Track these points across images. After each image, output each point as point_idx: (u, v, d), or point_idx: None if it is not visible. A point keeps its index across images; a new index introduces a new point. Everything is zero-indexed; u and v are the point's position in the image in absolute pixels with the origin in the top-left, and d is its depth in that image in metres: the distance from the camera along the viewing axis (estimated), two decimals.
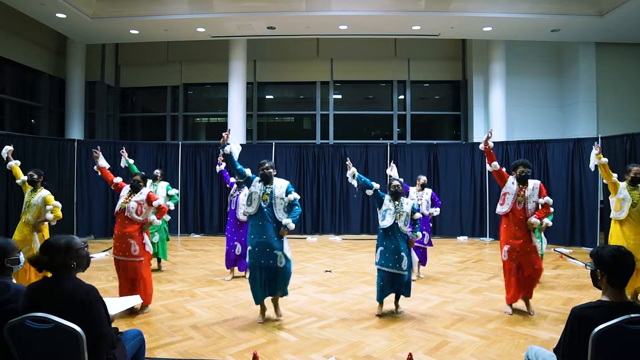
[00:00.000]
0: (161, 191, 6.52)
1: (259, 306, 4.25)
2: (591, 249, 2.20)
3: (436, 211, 6.31)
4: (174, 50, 12.51)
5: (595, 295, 2.16)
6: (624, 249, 2.09)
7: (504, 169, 4.58)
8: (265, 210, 4.13)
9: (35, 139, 9.01)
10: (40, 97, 11.36)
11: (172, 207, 6.51)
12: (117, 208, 4.51)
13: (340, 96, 13.09)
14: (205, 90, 13.70)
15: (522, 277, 4.40)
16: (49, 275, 2.17)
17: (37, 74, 11.25)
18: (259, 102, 12.79)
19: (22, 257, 2.39)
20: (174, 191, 6.74)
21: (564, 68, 11.63)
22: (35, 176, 5.10)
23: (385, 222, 4.41)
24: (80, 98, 11.51)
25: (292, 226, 4.14)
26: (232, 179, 6.15)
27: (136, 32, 10.34)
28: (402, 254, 4.35)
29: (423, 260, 6.25)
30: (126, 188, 4.61)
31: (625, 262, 2.04)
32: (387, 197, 4.53)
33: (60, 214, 5.03)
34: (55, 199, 5.03)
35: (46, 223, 5.01)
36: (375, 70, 12.56)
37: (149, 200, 4.51)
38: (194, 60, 12.63)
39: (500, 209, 4.51)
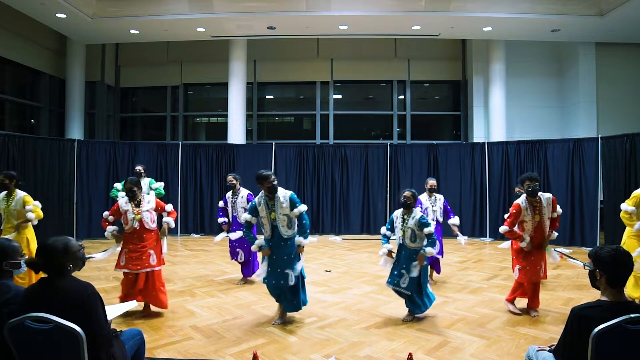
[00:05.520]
0: (144, 187, 6.47)
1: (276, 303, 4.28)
2: (591, 248, 2.21)
3: (456, 221, 5.81)
4: (174, 50, 12.52)
5: (595, 295, 2.16)
6: (622, 249, 2.10)
7: (515, 228, 4.30)
8: (275, 229, 4.04)
9: (35, 139, 9.01)
10: (40, 97, 11.36)
11: None
12: (133, 225, 4.31)
13: (340, 96, 13.09)
14: (205, 90, 13.71)
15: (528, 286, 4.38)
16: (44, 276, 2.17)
17: (37, 74, 11.25)
18: (259, 102, 12.79)
19: (23, 262, 2.37)
20: (157, 184, 6.73)
21: (564, 68, 11.63)
22: (7, 180, 4.70)
23: (396, 235, 4.31)
24: (80, 98, 11.52)
25: (305, 243, 4.09)
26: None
27: (136, 32, 10.35)
28: (403, 271, 4.17)
29: (435, 268, 5.88)
30: (123, 203, 4.39)
31: (624, 261, 2.05)
32: (399, 210, 4.33)
33: (41, 213, 4.83)
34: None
35: (29, 224, 4.81)
36: (375, 70, 12.56)
37: (157, 207, 4.54)
38: (194, 60, 12.63)
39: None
